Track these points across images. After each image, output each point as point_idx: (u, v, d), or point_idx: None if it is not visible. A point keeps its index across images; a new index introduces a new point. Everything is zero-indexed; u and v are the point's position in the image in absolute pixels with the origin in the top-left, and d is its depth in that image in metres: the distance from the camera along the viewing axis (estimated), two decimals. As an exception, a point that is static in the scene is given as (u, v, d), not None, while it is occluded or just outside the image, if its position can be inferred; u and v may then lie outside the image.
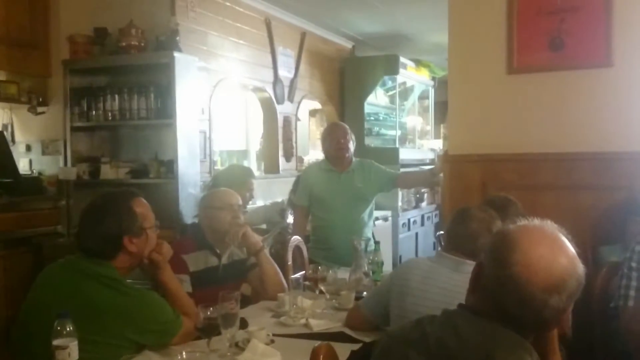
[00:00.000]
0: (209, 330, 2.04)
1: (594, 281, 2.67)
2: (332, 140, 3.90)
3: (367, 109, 7.21)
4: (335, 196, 3.86)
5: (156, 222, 2.26)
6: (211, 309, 2.03)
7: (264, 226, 4.83)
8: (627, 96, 3.17)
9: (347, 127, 3.99)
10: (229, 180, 3.59)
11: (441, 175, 3.75)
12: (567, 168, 3.24)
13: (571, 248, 1.28)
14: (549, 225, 1.32)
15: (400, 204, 6.72)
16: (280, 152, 6.22)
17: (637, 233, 2.74)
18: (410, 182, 4.57)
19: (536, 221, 1.33)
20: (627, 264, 2.45)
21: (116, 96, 4.40)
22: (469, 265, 2.07)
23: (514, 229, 1.31)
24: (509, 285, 1.23)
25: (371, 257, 3.13)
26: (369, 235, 3.88)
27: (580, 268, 1.27)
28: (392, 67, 7.09)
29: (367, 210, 3.94)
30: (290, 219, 4.39)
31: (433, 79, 8.27)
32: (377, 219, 5.74)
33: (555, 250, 1.26)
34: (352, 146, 3.91)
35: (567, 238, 1.30)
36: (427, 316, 1.36)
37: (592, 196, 3.16)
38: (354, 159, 3.95)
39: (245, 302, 2.67)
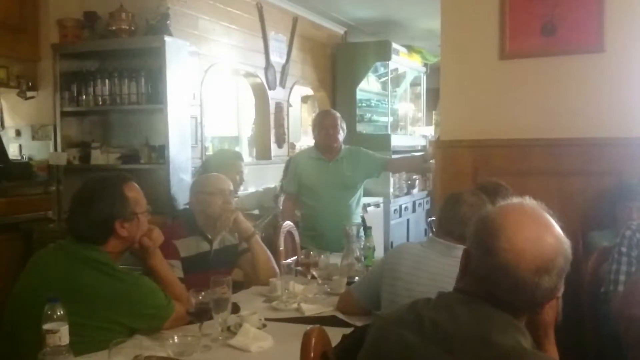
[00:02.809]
0: (200, 314, 2.05)
1: (585, 266, 2.69)
2: (322, 130, 3.91)
3: (359, 95, 7.20)
4: (324, 184, 3.88)
5: (148, 207, 2.25)
6: (203, 293, 2.04)
7: (256, 211, 4.83)
8: (619, 82, 3.18)
9: (337, 115, 3.98)
10: (219, 164, 3.59)
11: (432, 161, 3.76)
12: (558, 154, 3.25)
13: (554, 224, 1.28)
14: (529, 204, 1.31)
15: (391, 190, 6.73)
16: (272, 138, 6.20)
17: (627, 218, 2.77)
18: (401, 167, 4.60)
19: (515, 200, 1.33)
20: (617, 249, 2.48)
21: (106, 81, 4.36)
22: (460, 250, 2.06)
23: (494, 214, 1.30)
24: (499, 273, 1.23)
25: (363, 243, 3.14)
26: (358, 221, 3.90)
27: (566, 243, 1.27)
28: (384, 53, 7.07)
29: (356, 197, 3.97)
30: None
31: (425, 65, 8.26)
32: (368, 205, 5.77)
33: (539, 230, 1.25)
34: (341, 136, 3.92)
35: (549, 213, 1.30)
36: (422, 298, 1.36)
37: (583, 182, 3.18)
38: (343, 147, 3.95)
39: (237, 287, 2.67)
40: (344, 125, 3.99)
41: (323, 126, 3.92)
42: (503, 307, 1.24)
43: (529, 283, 1.22)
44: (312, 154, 4.01)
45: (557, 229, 1.27)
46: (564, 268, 1.25)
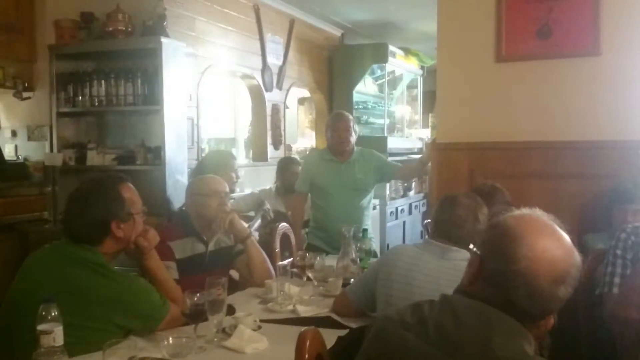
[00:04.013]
0: (196, 316, 2.04)
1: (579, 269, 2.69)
2: (334, 133, 3.94)
3: (356, 97, 7.20)
4: (335, 186, 3.90)
5: (143, 207, 2.24)
6: (198, 295, 2.04)
7: (252, 213, 4.83)
8: (614, 85, 3.19)
9: (350, 118, 4.01)
10: (214, 164, 3.61)
11: (430, 164, 3.77)
12: (554, 156, 3.25)
13: (567, 236, 1.29)
14: (542, 215, 1.32)
15: (388, 192, 6.73)
16: (269, 140, 6.21)
17: (622, 221, 2.77)
18: (406, 175, 4.64)
19: (526, 210, 1.33)
20: (612, 252, 2.48)
21: (103, 82, 4.36)
22: (455, 252, 2.10)
23: (513, 222, 1.30)
24: (517, 281, 1.23)
25: (359, 245, 3.14)
26: (369, 222, 3.92)
27: (577, 255, 1.28)
28: (381, 55, 7.08)
29: (367, 199, 3.99)
30: (267, 205, 4.40)
31: (422, 68, 8.27)
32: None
33: (556, 241, 1.27)
34: (353, 138, 3.95)
35: (559, 225, 1.31)
36: (426, 300, 1.35)
37: (579, 184, 3.18)
38: (355, 149, 3.97)
39: (233, 288, 2.67)
40: (357, 127, 4.03)
41: (335, 129, 3.94)
42: (514, 312, 1.24)
43: (547, 292, 1.23)
44: (325, 155, 4.03)
45: (570, 241, 1.29)
46: (576, 279, 1.27)
